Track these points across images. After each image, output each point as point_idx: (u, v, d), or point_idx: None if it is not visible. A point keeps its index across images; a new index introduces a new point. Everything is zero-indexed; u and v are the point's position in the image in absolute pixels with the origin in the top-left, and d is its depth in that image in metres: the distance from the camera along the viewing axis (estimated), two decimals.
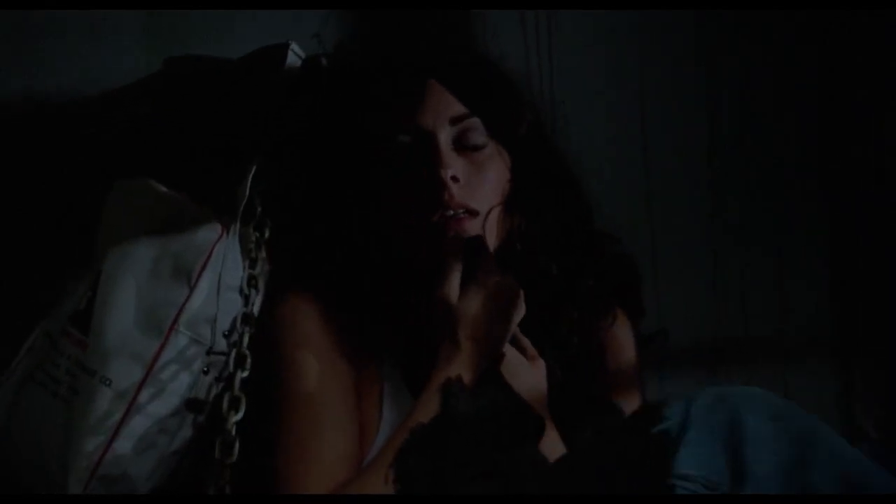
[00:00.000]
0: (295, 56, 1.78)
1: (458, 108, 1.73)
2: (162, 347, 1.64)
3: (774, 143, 2.69)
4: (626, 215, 2.49)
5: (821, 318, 2.77)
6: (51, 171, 1.91)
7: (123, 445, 1.64)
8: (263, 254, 1.69)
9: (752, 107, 2.65)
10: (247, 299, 1.66)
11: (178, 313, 1.65)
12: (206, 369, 1.67)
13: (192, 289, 1.65)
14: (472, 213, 1.71)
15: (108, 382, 1.64)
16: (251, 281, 1.68)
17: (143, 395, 1.64)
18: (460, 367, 1.62)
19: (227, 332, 1.67)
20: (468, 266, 1.69)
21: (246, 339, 1.63)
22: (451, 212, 1.68)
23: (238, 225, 1.69)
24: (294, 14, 2.06)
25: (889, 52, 2.65)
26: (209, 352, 1.66)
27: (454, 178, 1.69)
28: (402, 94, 1.72)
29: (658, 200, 2.55)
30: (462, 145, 1.73)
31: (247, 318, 1.65)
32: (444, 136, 1.71)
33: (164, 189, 1.71)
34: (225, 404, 1.60)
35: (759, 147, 2.68)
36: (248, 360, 1.62)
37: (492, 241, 1.73)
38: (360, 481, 1.58)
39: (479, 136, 1.74)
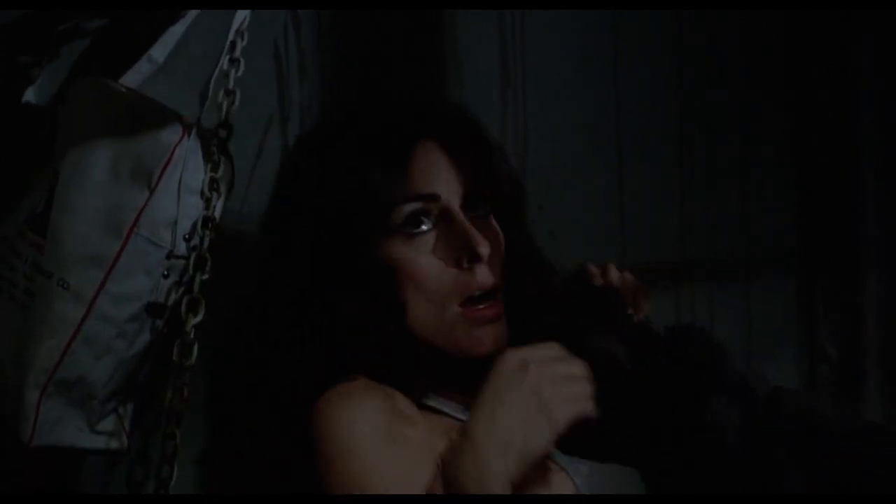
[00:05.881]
0: None
1: (470, 176, 1.60)
2: (121, 250, 1.61)
3: (742, 67, 2.71)
4: (594, 136, 2.50)
5: (784, 239, 2.80)
6: (4, 73, 1.86)
7: (81, 349, 1.62)
8: (225, 157, 1.66)
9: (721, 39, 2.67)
10: (208, 202, 1.64)
11: (137, 216, 1.62)
12: (166, 273, 1.64)
13: (152, 191, 1.62)
14: (497, 291, 1.59)
15: (65, 285, 1.62)
16: (212, 184, 1.65)
17: (102, 299, 1.62)
18: None
19: (187, 236, 1.64)
20: None
21: (206, 243, 1.61)
22: (484, 294, 1.56)
23: (200, 126, 1.66)
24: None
25: None
26: (169, 255, 1.63)
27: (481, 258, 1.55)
28: (404, 158, 1.55)
29: (626, 124, 2.55)
30: (470, 214, 1.59)
31: (207, 221, 1.63)
32: (457, 204, 1.57)
33: (123, 88, 1.68)
34: (184, 307, 1.58)
35: (726, 72, 2.69)
36: (209, 264, 1.61)
37: None
38: None
39: (485, 206, 1.61)
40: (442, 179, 1.57)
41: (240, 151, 1.74)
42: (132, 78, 1.71)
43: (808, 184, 2.83)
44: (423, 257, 1.55)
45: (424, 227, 1.56)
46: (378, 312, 1.54)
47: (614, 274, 1.79)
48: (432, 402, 1.58)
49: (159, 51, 1.71)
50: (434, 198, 1.56)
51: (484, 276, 1.56)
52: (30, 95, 1.74)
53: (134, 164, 1.63)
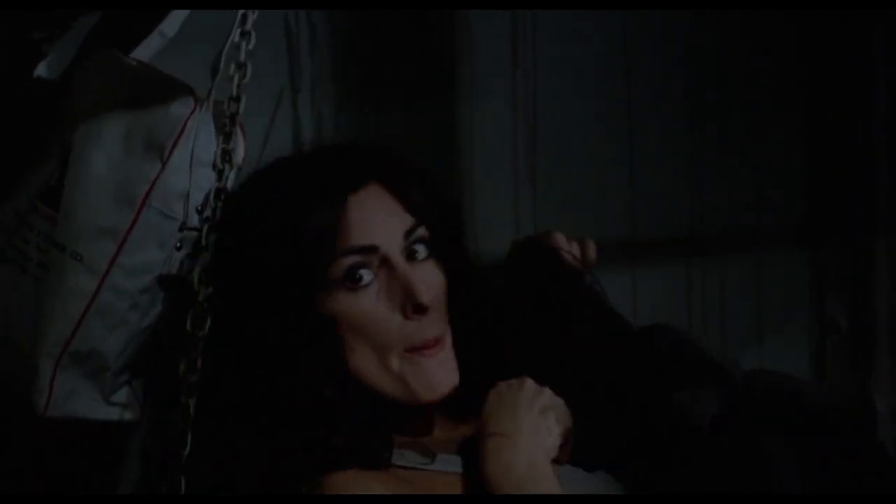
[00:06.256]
0: None
1: (408, 218, 1.55)
2: (134, 223, 1.62)
3: (754, 40, 2.70)
4: (604, 112, 2.50)
5: (795, 211, 2.80)
6: (16, 48, 1.87)
7: (94, 321, 1.63)
8: (238, 128, 1.66)
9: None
10: (220, 174, 1.63)
11: (149, 188, 1.62)
12: (178, 245, 1.65)
13: (164, 163, 1.63)
14: (441, 340, 1.55)
15: (78, 258, 1.63)
16: (225, 156, 1.63)
17: (115, 271, 1.63)
18: None
19: (199, 208, 1.64)
20: None
21: (219, 214, 1.61)
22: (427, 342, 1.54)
23: (212, 99, 1.66)
24: None
25: None
26: (182, 227, 1.64)
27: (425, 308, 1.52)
28: (337, 210, 1.51)
29: (637, 100, 2.54)
30: (410, 258, 1.55)
31: (220, 192, 1.62)
32: (396, 251, 1.52)
33: (134, 62, 1.68)
34: (196, 278, 1.59)
35: (737, 45, 2.68)
36: None
37: None
38: None
39: (425, 248, 1.56)
40: (379, 227, 1.53)
41: (251, 124, 1.74)
42: (143, 52, 1.71)
43: (819, 155, 2.83)
44: (367, 309, 1.51)
45: (366, 280, 1.51)
46: (325, 371, 1.51)
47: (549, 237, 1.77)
48: (397, 460, 1.55)
49: (170, 25, 1.71)
50: (373, 249, 1.52)
51: (428, 328, 1.53)
52: (41, 70, 1.75)
53: (146, 136, 1.63)
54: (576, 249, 1.76)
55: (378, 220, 1.53)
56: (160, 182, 1.63)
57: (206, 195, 1.64)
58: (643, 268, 2.53)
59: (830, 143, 2.83)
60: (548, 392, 1.56)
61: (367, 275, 1.51)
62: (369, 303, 1.51)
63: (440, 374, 1.54)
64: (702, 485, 1.52)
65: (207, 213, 1.63)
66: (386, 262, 1.52)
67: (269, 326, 1.50)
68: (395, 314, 1.52)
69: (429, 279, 1.54)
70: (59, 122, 1.73)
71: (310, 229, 1.49)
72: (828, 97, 2.82)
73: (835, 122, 2.82)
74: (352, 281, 1.51)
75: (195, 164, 1.64)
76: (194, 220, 1.65)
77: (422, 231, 1.55)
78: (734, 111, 2.69)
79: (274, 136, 1.89)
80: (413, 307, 1.51)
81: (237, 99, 1.65)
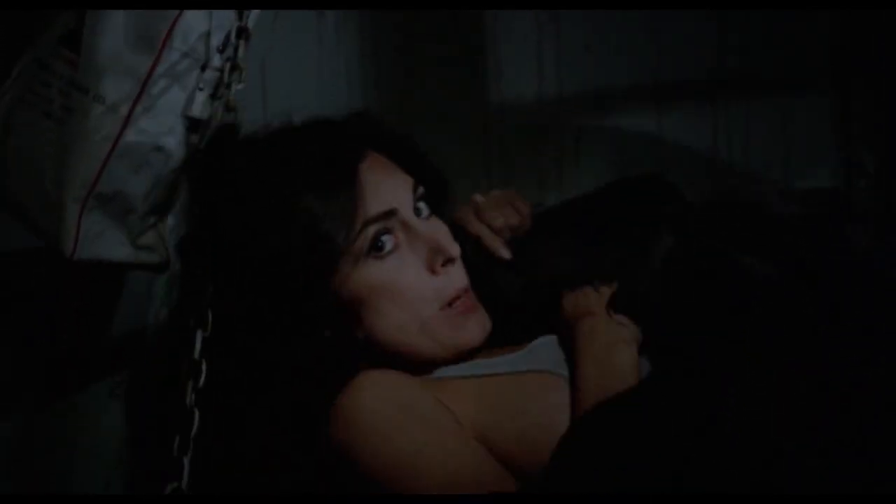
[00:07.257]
0: None
1: (409, 179, 1.60)
2: (155, 63, 1.62)
3: None
4: None
5: (820, 49, 2.77)
6: None
7: (118, 163, 1.64)
8: None
9: None
10: (240, 13, 1.63)
11: (170, 28, 1.61)
12: (200, 86, 1.64)
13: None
14: (468, 288, 1.61)
15: (101, 99, 1.63)
16: None
17: (138, 112, 1.62)
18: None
19: (220, 48, 1.64)
20: None
21: (241, 52, 1.61)
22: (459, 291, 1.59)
23: None
24: None
25: None
26: (203, 67, 1.64)
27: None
28: (351, 183, 1.53)
29: None
30: (417, 217, 1.59)
31: (241, 31, 1.62)
32: (410, 212, 1.58)
33: None
34: (219, 115, 1.59)
35: None
36: (244, 73, 1.61)
37: None
38: None
39: (426, 205, 1.61)
40: (391, 191, 1.57)
41: None
42: None
43: None
44: (397, 274, 1.55)
45: (388, 246, 1.55)
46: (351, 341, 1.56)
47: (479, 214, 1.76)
48: None
49: None
50: (392, 213, 1.55)
51: (459, 277, 1.59)
52: None
53: None
54: (509, 214, 1.75)
55: (388, 184, 1.57)
56: (180, 22, 1.62)
57: (227, 34, 1.63)
58: (668, 112, 2.52)
59: None
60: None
61: (388, 241, 1.55)
62: (398, 267, 1.55)
63: (475, 320, 1.59)
64: (690, 322, 1.51)
65: (229, 52, 1.63)
66: (403, 225, 1.56)
67: (285, 316, 1.51)
68: (423, 272, 1.56)
69: (443, 232, 1.60)
70: None
71: (333, 208, 1.51)
72: None
73: None
74: (377, 249, 1.54)
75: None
76: (216, 60, 1.64)
77: (422, 189, 1.60)
78: None
79: None
80: (444, 260, 1.55)
81: None
